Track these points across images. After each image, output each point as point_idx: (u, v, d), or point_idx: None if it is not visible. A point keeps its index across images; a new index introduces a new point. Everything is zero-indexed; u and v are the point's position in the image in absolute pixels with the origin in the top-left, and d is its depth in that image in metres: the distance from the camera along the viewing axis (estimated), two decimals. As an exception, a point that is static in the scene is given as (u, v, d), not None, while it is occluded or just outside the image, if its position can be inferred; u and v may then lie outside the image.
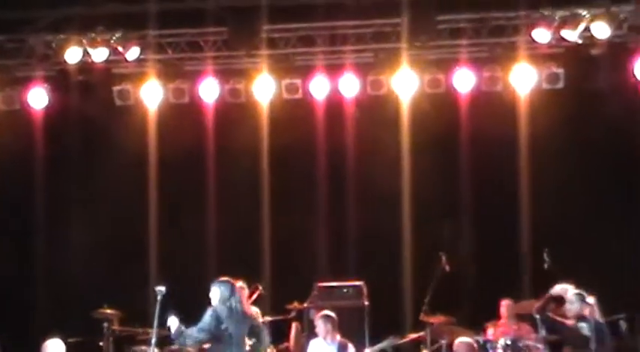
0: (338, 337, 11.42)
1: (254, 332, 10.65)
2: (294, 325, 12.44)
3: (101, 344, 12.16)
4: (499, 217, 13.49)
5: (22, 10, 12.93)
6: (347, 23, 13.15)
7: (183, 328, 9.44)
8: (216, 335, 9.50)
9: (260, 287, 11.99)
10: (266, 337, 11.44)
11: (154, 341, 10.25)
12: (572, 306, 10.94)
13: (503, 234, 13.32)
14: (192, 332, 9.20)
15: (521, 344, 11.78)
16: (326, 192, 14.20)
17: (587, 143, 13.60)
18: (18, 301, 13.78)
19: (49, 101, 13.76)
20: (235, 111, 14.06)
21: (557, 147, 13.59)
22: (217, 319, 9.49)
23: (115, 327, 12.26)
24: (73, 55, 12.89)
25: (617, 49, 12.87)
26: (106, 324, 12.14)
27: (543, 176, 13.38)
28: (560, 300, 11.66)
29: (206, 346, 10.40)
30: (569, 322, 11.21)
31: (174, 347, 11.40)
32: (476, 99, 13.52)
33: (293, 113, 13.86)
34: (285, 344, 12.52)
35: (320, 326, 11.38)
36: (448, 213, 14.01)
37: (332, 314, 11.54)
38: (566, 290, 11.09)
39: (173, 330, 9.46)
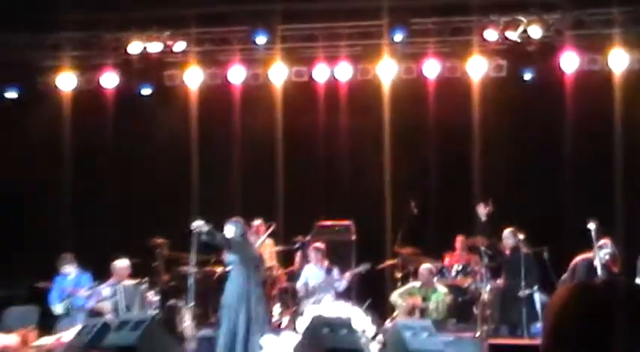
0: (326, 263, 13.65)
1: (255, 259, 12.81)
2: (298, 254, 14.37)
3: (154, 264, 13.93)
4: (458, 174, 14.75)
5: (97, 12, 14.84)
6: (341, 24, 15.01)
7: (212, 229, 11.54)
8: (235, 251, 11.69)
9: (273, 224, 13.99)
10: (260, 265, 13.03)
11: (193, 262, 12.99)
12: (507, 241, 13.58)
13: (460, 188, 14.51)
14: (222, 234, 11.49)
15: (469, 270, 14.04)
16: (326, 151, 15.81)
17: (523, 117, 15.14)
18: (93, 229, 15.13)
19: (117, 83, 15.69)
20: (256, 90, 15.73)
21: (501, 120, 15.01)
22: (236, 244, 11.76)
23: (165, 253, 13.96)
24: (135, 47, 15.07)
25: (546, 47, 14.69)
26: (158, 250, 13.85)
27: (490, 139, 14.78)
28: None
29: (228, 269, 13.05)
30: (506, 253, 13.32)
31: (209, 268, 14.05)
32: (440, 83, 15.25)
33: (300, 92, 15.59)
34: (291, 268, 14.40)
35: (312, 255, 13.72)
36: (420, 170, 15.18)
37: (321, 245, 13.79)
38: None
39: (204, 227, 11.49)
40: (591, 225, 12.47)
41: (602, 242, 12.72)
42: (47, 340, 12.77)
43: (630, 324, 1.87)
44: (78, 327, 12.78)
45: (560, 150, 14.92)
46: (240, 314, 11.19)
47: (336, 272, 13.72)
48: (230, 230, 12.04)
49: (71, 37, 15.82)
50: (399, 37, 14.67)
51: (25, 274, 14.59)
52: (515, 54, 14.97)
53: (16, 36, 15.58)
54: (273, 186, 14.92)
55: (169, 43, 15.34)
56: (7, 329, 12.85)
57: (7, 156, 15.48)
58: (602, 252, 12.70)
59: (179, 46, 15.44)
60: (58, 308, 13.77)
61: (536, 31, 14.38)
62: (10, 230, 15.42)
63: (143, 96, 16.24)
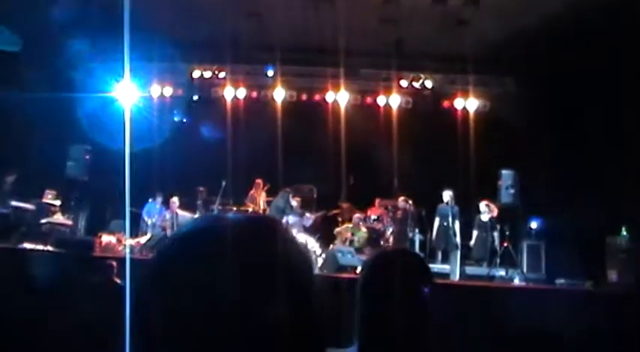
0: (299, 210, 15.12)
1: None
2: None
3: (197, 202, 15.39)
4: (379, 165, 15.52)
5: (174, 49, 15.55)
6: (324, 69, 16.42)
7: None
8: None
9: (268, 185, 15.37)
10: None
11: (218, 201, 15.01)
12: (401, 204, 14.73)
13: (378, 172, 15.48)
14: None
15: (380, 219, 15.12)
16: (313, 140, 15.87)
17: (420, 130, 15.82)
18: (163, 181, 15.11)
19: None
20: (263, 104, 16.71)
21: (406, 131, 15.93)
22: None
23: (204, 197, 15.46)
24: (196, 73, 16.68)
25: (438, 93, 16.82)
26: (200, 193, 15.38)
27: (399, 145, 15.66)
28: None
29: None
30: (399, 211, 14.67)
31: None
32: (372, 108, 16.75)
33: (294, 107, 16.61)
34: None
35: (293, 203, 15.17)
36: (351, 162, 15.52)
37: (298, 199, 15.10)
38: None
39: None
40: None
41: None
42: (131, 241, 14.37)
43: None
44: (148, 236, 14.72)
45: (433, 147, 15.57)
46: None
47: (307, 215, 15.29)
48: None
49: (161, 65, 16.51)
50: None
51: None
52: (418, 95, 16.64)
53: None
54: (274, 163, 15.11)
55: (216, 72, 16.76)
56: (111, 232, 14.39)
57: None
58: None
59: (221, 74, 16.79)
60: (145, 222, 15.30)
61: (429, 83, 16.52)
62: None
63: (195, 101, 17.41)
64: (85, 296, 9.09)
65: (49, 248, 12.36)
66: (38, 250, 11.95)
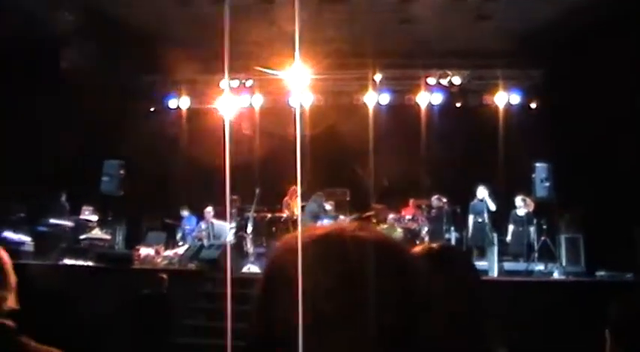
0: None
1: None
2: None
3: (232, 211, 14.77)
4: (410, 164, 15.34)
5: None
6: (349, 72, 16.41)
7: None
8: None
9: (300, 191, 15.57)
10: None
11: (253, 209, 14.89)
12: (435, 202, 14.79)
13: (411, 173, 15.40)
14: None
15: (415, 219, 15.18)
16: (338, 147, 15.85)
17: (448, 124, 16.09)
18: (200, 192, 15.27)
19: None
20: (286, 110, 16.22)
21: (437, 127, 16.14)
22: None
23: (238, 204, 15.11)
24: (224, 84, 16.22)
25: (466, 90, 16.63)
26: (234, 203, 14.91)
27: (432, 141, 15.68)
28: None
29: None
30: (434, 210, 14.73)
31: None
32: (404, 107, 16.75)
33: (321, 111, 16.51)
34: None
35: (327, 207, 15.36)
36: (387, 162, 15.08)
37: (332, 202, 15.30)
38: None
39: None
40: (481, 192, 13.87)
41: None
42: (170, 252, 14.51)
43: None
44: (186, 246, 14.83)
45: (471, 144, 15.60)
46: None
47: (341, 218, 15.08)
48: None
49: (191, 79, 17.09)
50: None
51: (160, 214, 16.01)
52: (443, 92, 16.62)
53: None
54: (305, 168, 13.49)
55: (243, 80, 17.11)
56: (148, 244, 14.66)
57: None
58: None
59: (248, 83, 17.19)
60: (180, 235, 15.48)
61: (456, 80, 16.43)
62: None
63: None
64: (135, 307, 9.36)
65: (90, 263, 12.83)
66: (79, 266, 12.32)
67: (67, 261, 13.01)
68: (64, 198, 14.63)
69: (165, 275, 9.95)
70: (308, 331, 1.04)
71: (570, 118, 14.27)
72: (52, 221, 13.97)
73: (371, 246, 1.14)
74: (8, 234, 12.95)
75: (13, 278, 2.34)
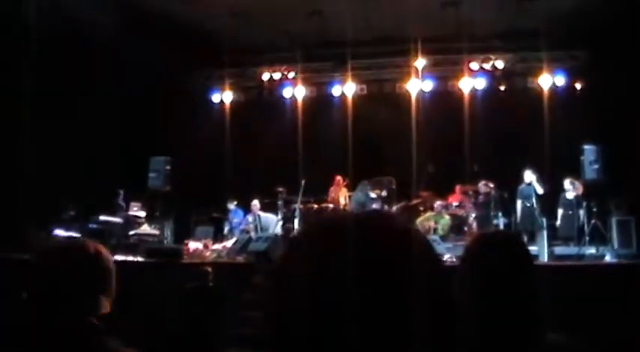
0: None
1: None
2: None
3: (278, 202, 15.44)
4: (457, 150, 15.21)
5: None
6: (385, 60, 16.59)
7: None
8: None
9: (347, 180, 15.33)
10: None
11: (299, 200, 14.92)
12: (482, 188, 14.51)
13: (458, 159, 15.08)
14: None
15: (462, 205, 15.11)
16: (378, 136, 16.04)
17: (495, 111, 15.80)
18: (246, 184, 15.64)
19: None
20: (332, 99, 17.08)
21: (482, 113, 15.89)
22: None
23: (284, 196, 15.46)
24: (265, 76, 17.06)
25: (510, 73, 16.46)
26: (280, 194, 15.42)
27: (476, 128, 15.35)
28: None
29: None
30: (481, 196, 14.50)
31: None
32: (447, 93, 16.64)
33: (364, 100, 16.78)
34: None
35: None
36: (432, 149, 15.40)
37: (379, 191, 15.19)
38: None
39: None
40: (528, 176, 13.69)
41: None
42: (218, 246, 14.58)
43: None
44: (234, 239, 14.85)
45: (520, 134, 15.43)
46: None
47: (387, 206, 15.00)
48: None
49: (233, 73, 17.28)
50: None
51: (207, 208, 16.09)
52: (487, 77, 16.50)
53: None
54: (350, 157, 15.20)
55: (285, 72, 17.23)
56: (197, 238, 14.79)
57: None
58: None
59: (291, 74, 17.29)
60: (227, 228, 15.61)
61: (499, 63, 16.37)
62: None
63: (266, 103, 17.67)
64: (181, 301, 9.48)
65: (140, 258, 12.98)
66: (130, 261, 12.37)
67: (118, 257, 13.04)
68: (121, 196, 14.86)
69: (209, 268, 9.94)
70: (321, 320, 1.02)
71: (616, 98, 14.01)
72: (102, 218, 14.16)
73: (378, 233, 1.10)
74: (59, 232, 13.07)
75: (113, 285, 2.33)
